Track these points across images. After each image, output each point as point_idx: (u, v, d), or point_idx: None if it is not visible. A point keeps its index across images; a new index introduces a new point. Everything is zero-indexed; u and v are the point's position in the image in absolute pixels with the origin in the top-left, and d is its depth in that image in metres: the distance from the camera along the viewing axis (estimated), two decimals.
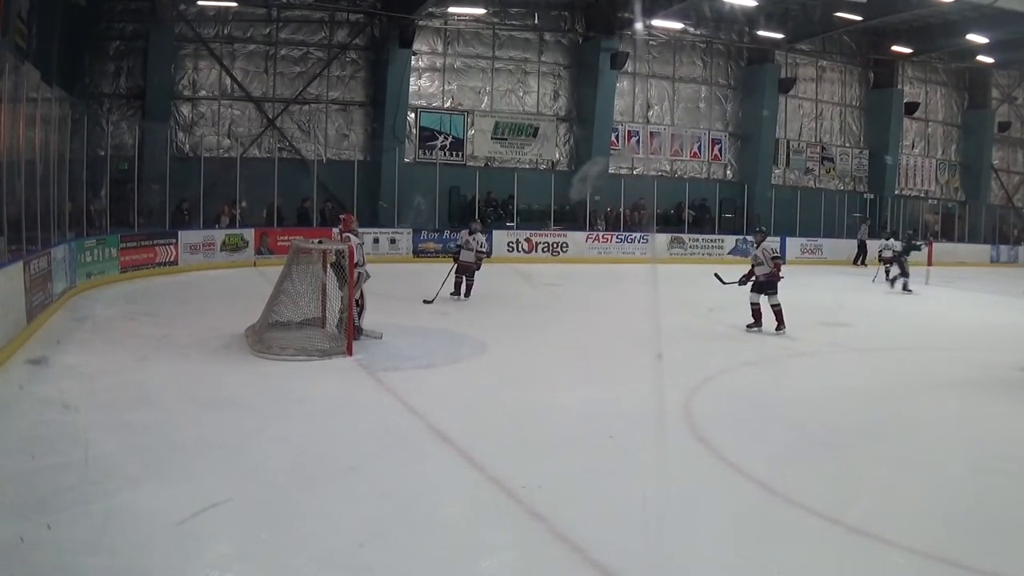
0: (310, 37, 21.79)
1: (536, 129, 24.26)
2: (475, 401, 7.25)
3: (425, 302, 12.70)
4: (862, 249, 24.92)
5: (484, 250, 13.62)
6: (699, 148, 26.30)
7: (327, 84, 22.07)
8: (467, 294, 13.37)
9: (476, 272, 13.45)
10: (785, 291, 11.08)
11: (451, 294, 13.23)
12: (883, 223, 26.34)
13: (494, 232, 21.92)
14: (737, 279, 11.28)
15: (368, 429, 6.27)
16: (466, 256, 13.35)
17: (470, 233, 13.49)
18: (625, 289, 16.57)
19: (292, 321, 9.56)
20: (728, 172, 26.86)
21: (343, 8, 21.78)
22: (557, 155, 24.61)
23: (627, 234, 23.43)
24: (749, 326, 10.99)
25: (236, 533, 4.36)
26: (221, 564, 4.06)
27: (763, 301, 10.89)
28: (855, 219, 27.00)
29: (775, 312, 10.80)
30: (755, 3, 22.20)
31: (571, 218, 23.53)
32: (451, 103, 23.43)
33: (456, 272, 13.32)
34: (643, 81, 25.46)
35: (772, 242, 12.37)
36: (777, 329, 10.75)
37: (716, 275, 11.69)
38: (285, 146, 21.67)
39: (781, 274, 10.98)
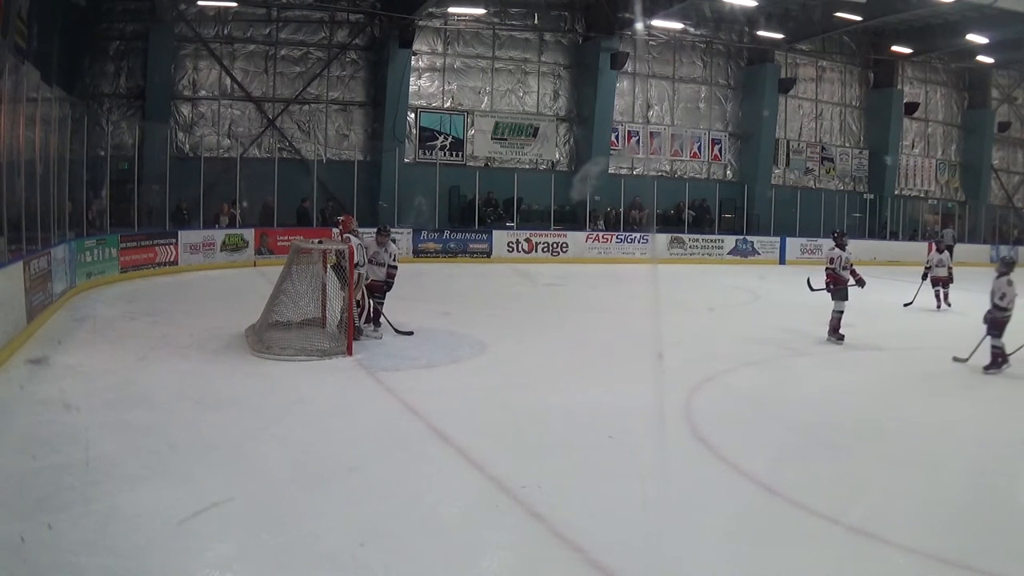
0: (310, 37, 21.79)
1: (536, 129, 24.27)
2: (475, 401, 7.25)
3: (401, 332, 10.04)
4: (948, 252, 24.50)
5: (396, 264, 10.28)
6: (699, 148, 26.31)
7: (327, 84, 22.08)
8: (377, 321, 10.07)
9: (387, 292, 10.19)
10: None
11: (373, 330, 9.95)
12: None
13: (494, 232, 21.99)
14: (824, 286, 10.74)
15: (368, 429, 6.27)
16: (376, 273, 10.01)
17: (379, 244, 10.14)
18: (625, 289, 16.57)
19: (292, 321, 9.57)
20: (728, 172, 26.87)
21: (343, 8, 21.78)
22: (557, 155, 24.62)
23: (627, 234, 23.45)
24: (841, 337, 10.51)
25: (236, 533, 4.36)
26: (221, 564, 4.06)
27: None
28: (854, 218, 26.98)
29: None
30: (755, 3, 22.22)
31: (571, 218, 23.55)
32: (451, 103, 23.43)
33: (366, 295, 10.00)
34: (643, 81, 25.47)
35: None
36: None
37: (808, 280, 11.15)
38: (285, 146, 21.68)
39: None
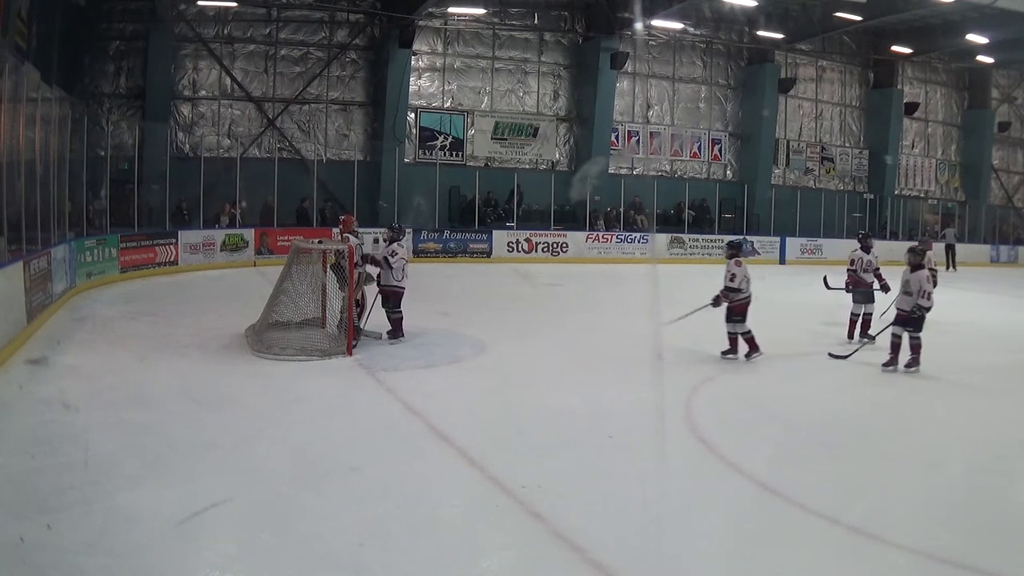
0: (310, 37, 21.79)
1: (536, 129, 24.27)
2: (475, 401, 7.25)
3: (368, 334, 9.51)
4: (950, 251, 24.53)
5: (404, 279, 9.60)
6: (699, 148, 26.31)
7: (327, 84, 22.07)
8: (399, 332, 9.59)
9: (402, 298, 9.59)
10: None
11: (388, 336, 9.56)
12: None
13: (494, 232, 21.99)
14: (843, 286, 10.71)
15: (368, 429, 6.27)
16: (389, 279, 9.51)
17: (389, 243, 9.63)
18: (625, 289, 16.57)
19: (292, 321, 9.57)
20: (728, 172, 26.87)
21: (343, 8, 21.77)
22: (557, 155, 24.62)
23: (627, 234, 23.46)
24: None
25: (236, 533, 4.36)
26: (221, 564, 4.06)
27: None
28: (854, 218, 27.01)
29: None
30: (755, 3, 22.22)
31: (571, 218, 23.54)
32: (451, 103, 23.43)
33: (384, 305, 9.61)
34: (643, 81, 25.46)
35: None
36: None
37: (824, 279, 11.15)
38: (285, 146, 21.67)
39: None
